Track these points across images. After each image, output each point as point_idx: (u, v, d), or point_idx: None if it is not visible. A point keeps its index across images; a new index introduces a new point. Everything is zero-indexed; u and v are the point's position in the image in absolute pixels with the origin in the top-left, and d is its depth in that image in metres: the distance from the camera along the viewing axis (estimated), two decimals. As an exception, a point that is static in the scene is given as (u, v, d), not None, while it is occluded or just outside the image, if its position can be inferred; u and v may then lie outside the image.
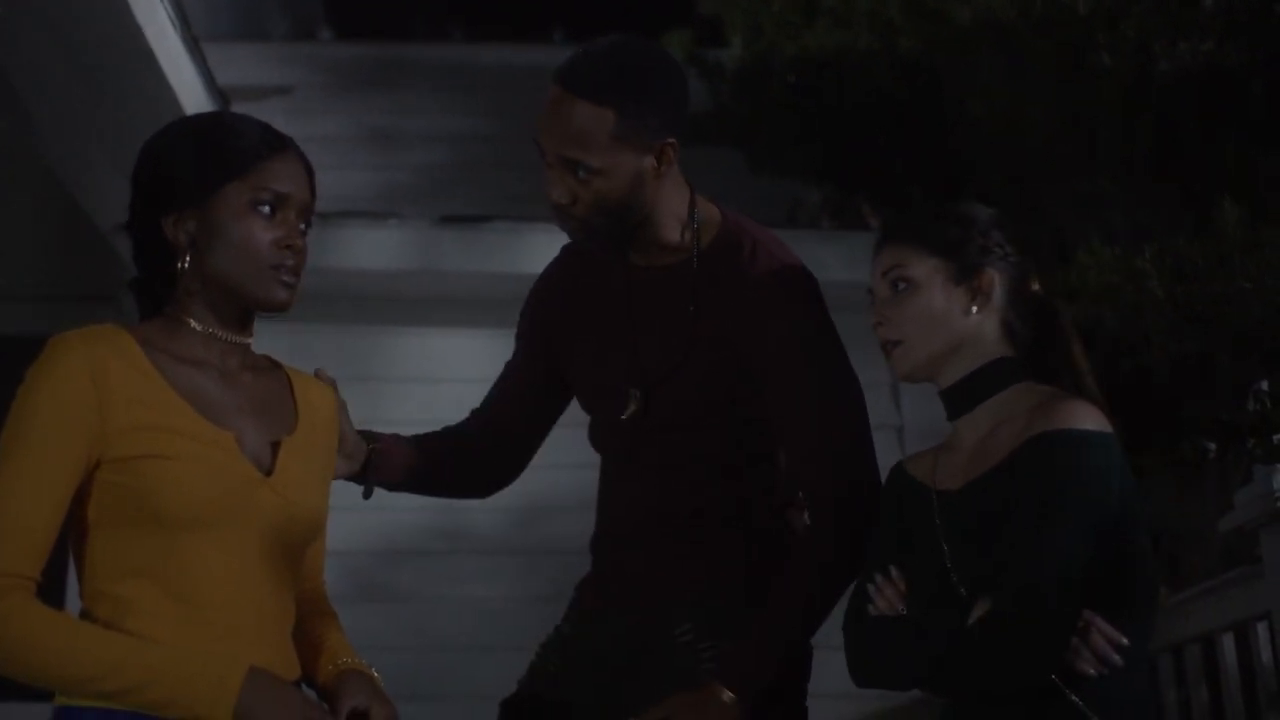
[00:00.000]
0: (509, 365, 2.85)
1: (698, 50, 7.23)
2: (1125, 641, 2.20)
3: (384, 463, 2.61)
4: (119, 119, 4.79)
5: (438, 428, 2.85)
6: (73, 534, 2.09)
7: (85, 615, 2.07)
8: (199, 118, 2.31)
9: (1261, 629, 3.56)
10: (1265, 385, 3.72)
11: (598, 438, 2.75)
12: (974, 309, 2.38)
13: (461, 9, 12.08)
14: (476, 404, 2.87)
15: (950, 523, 2.33)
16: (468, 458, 2.82)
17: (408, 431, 2.86)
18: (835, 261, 6.24)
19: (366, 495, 2.65)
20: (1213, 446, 3.74)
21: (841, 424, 2.58)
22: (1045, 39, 5.38)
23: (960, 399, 2.41)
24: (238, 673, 2.00)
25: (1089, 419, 2.26)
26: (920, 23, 6.18)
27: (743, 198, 7.06)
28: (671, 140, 2.54)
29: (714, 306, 2.60)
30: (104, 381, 2.05)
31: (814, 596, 2.52)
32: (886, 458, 6.70)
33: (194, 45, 4.83)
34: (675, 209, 2.63)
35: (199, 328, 2.17)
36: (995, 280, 2.39)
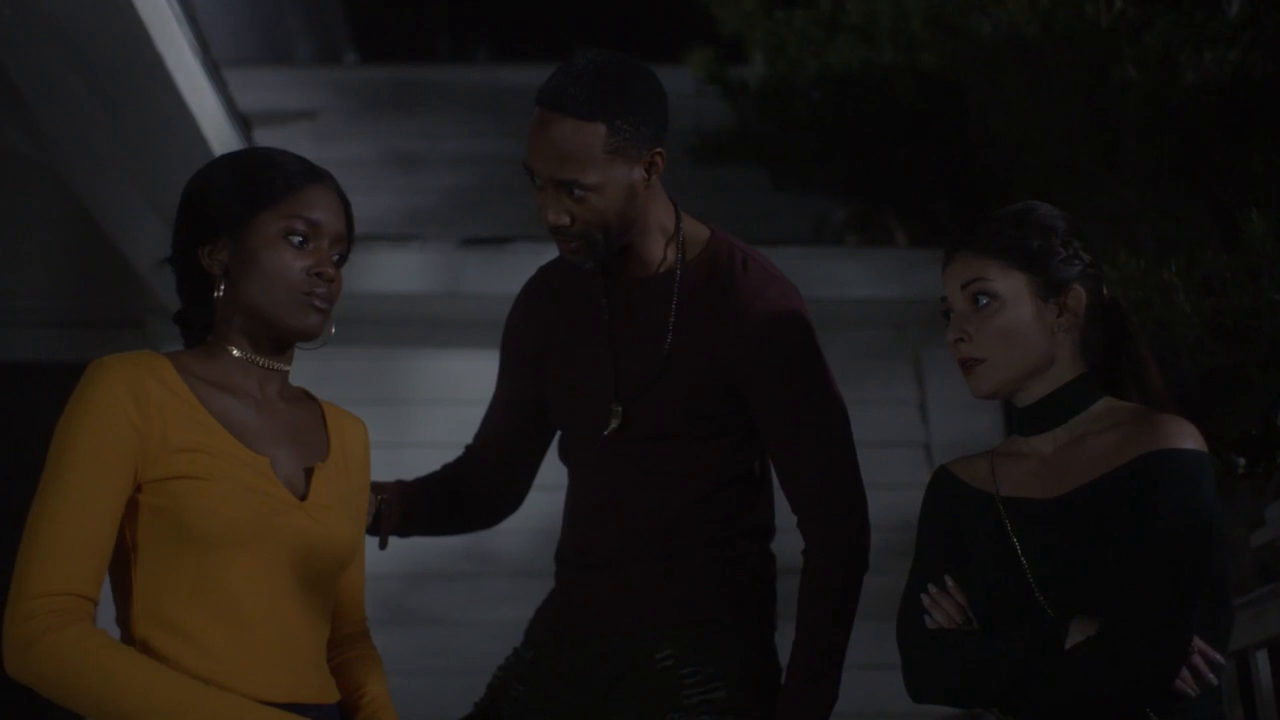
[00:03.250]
0: (494, 401, 2.84)
1: (720, 68, 7.22)
2: (1223, 661, 2.17)
3: (392, 512, 2.63)
4: (141, 145, 4.81)
5: (459, 451, 2.85)
6: (114, 556, 2.11)
7: (129, 636, 2.10)
8: (239, 153, 2.36)
9: (1296, 645, 3.51)
10: (1293, 399, 3.67)
11: (575, 453, 2.72)
12: (1060, 329, 2.30)
13: (486, 31, 12.11)
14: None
15: (1033, 536, 2.25)
16: (471, 496, 2.82)
17: (433, 454, 2.86)
18: (860, 278, 6.23)
19: (382, 546, 2.65)
20: (1241, 461, 3.70)
21: (842, 460, 2.58)
22: (1068, 53, 5.35)
23: (1042, 418, 2.33)
24: None
25: (1192, 438, 2.20)
26: (943, 38, 6.16)
27: (767, 215, 7.09)
28: (660, 150, 2.54)
29: (699, 319, 2.59)
30: (144, 403, 2.09)
31: (835, 645, 2.51)
32: (915, 475, 6.67)
33: (215, 70, 4.84)
34: (662, 222, 2.63)
35: (238, 354, 2.23)
36: (1084, 298, 2.31)
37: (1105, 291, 2.38)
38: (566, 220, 2.50)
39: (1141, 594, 2.12)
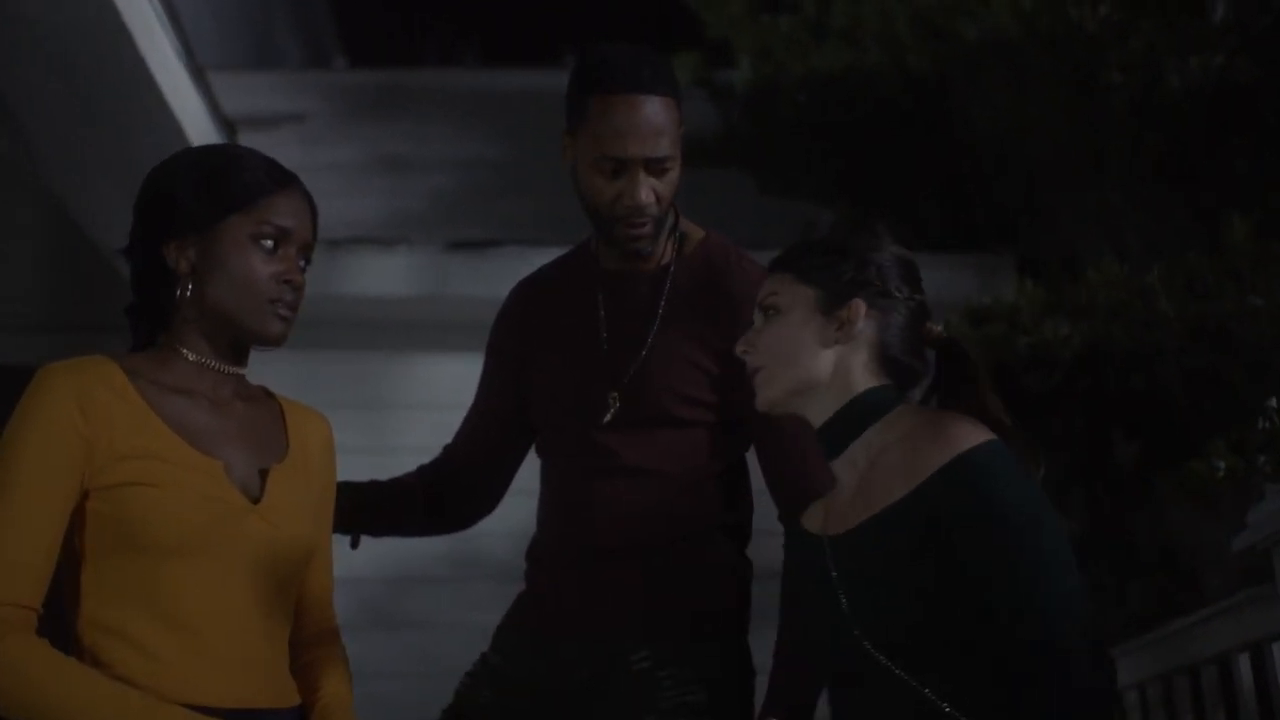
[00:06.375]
0: (475, 404, 2.82)
1: (706, 72, 7.22)
2: None
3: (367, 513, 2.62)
4: (123, 147, 4.80)
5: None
6: (63, 564, 2.07)
7: (77, 644, 2.06)
8: (207, 148, 2.31)
9: (1277, 649, 3.50)
10: (1274, 402, 3.66)
11: (559, 447, 2.69)
12: (836, 341, 2.27)
13: (473, 35, 12.11)
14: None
15: (847, 568, 2.21)
16: (446, 497, 2.80)
17: (418, 458, 2.85)
18: (846, 282, 6.23)
19: (354, 545, 2.64)
20: (1222, 465, 3.69)
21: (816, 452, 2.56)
22: (1053, 56, 5.36)
23: (834, 437, 2.29)
24: None
25: (979, 432, 2.16)
26: (928, 41, 6.16)
27: (753, 218, 7.08)
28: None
29: (690, 303, 2.60)
30: (91, 410, 2.05)
31: None
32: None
33: (198, 74, 4.83)
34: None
35: (192, 357, 2.17)
36: (862, 311, 2.26)
37: (933, 329, 2.34)
38: (654, 199, 2.53)
39: (1037, 614, 2.06)
